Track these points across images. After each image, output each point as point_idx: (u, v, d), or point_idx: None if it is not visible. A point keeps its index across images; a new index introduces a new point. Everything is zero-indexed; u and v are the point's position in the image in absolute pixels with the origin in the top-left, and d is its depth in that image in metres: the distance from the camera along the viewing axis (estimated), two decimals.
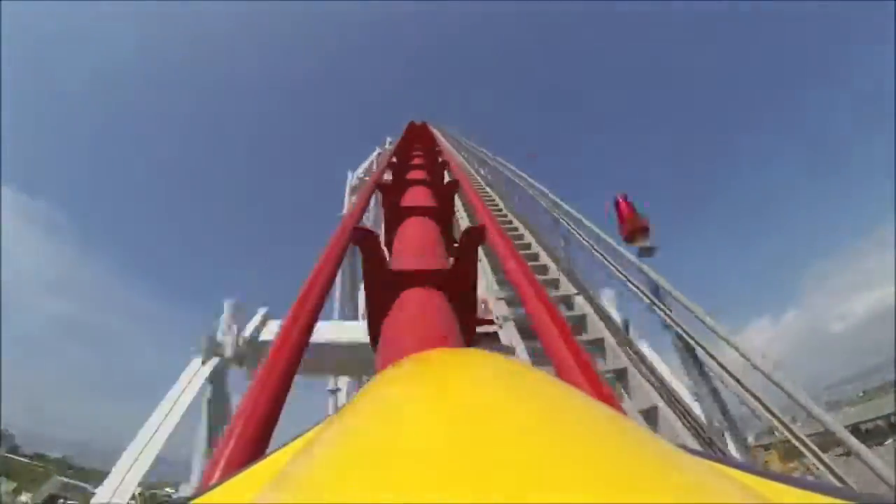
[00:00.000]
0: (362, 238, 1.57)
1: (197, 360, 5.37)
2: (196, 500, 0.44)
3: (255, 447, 0.71)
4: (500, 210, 8.25)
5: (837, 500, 0.33)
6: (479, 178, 10.92)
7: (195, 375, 5.22)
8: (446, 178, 2.67)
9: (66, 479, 66.84)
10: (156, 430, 4.61)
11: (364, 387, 0.57)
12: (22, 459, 72.49)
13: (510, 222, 7.44)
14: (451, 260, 1.61)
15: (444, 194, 2.45)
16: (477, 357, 0.63)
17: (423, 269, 1.52)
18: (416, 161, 3.37)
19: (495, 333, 4.10)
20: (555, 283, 5.30)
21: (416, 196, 2.43)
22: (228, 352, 5.48)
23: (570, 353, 1.02)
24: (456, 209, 3.23)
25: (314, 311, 1.18)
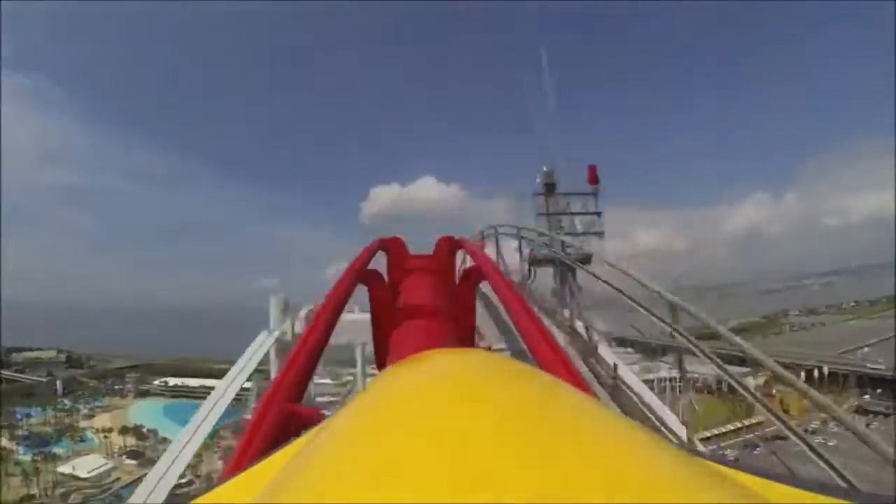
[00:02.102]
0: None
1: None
2: (196, 501, 0.43)
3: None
4: None
5: (836, 500, 0.33)
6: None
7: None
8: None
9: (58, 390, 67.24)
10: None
11: (363, 388, 0.67)
12: (7, 374, 72.19)
13: None
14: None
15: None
16: (477, 357, 0.68)
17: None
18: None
19: None
20: None
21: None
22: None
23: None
24: None
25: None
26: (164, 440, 51.59)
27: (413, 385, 0.53)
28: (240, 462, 1.00)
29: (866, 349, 56.98)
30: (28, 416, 57.30)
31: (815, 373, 54.53)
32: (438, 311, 2.71)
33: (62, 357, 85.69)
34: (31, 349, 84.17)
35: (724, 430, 41.35)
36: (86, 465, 43.59)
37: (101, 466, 44.01)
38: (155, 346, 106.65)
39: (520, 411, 0.37)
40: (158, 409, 65.02)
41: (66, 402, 64.81)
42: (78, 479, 41.69)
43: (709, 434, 37.57)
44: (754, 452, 39.54)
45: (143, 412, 63.39)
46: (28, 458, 44.06)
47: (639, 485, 0.27)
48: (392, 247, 4.01)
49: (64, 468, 42.86)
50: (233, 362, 5.88)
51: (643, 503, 0.26)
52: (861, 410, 49.32)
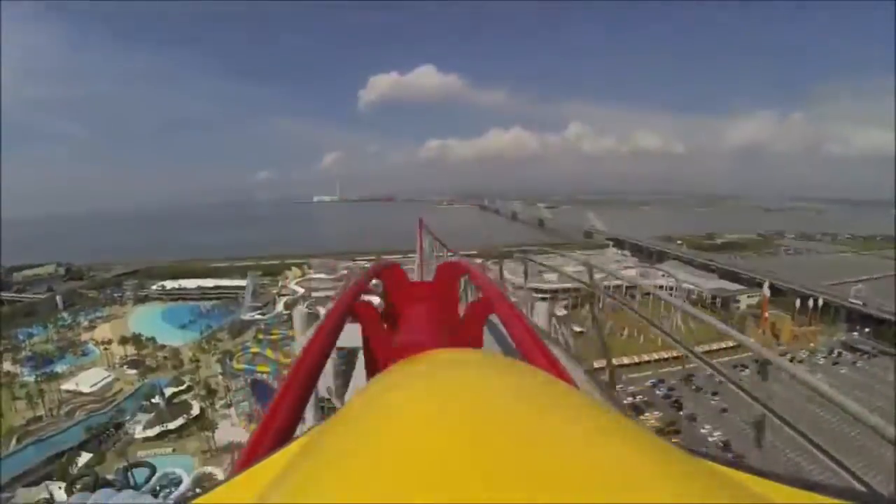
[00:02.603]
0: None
1: None
2: (196, 501, 0.44)
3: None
4: None
5: (836, 500, 0.33)
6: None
7: None
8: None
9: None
10: None
11: (363, 387, 0.61)
12: (7, 295, 71.79)
13: None
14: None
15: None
16: (476, 356, 0.69)
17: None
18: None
19: None
20: None
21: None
22: None
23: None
24: None
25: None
26: (162, 347, 53.21)
27: (414, 385, 0.54)
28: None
29: (860, 286, 56.09)
30: (30, 335, 58.42)
31: (810, 302, 54.73)
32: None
33: (61, 271, 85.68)
34: (30, 266, 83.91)
35: (715, 347, 41.65)
36: (88, 380, 45.10)
37: (102, 379, 45.53)
38: (154, 249, 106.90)
39: (521, 410, 0.38)
40: (157, 314, 66.70)
41: (67, 316, 65.90)
42: (81, 394, 43.23)
43: (700, 350, 37.04)
44: (742, 374, 40.28)
45: (143, 319, 64.70)
46: (32, 379, 45.35)
47: (639, 486, 0.27)
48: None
49: (67, 385, 44.34)
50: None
51: (644, 503, 0.26)
52: (848, 347, 49.74)
